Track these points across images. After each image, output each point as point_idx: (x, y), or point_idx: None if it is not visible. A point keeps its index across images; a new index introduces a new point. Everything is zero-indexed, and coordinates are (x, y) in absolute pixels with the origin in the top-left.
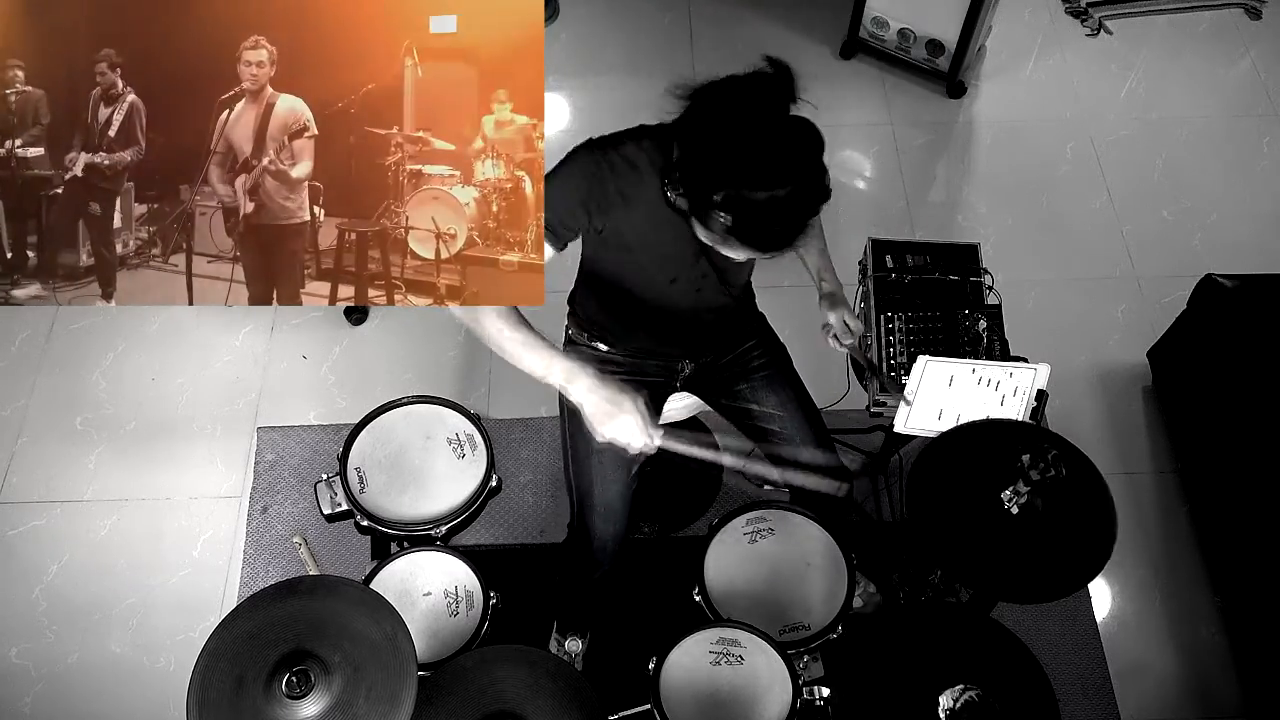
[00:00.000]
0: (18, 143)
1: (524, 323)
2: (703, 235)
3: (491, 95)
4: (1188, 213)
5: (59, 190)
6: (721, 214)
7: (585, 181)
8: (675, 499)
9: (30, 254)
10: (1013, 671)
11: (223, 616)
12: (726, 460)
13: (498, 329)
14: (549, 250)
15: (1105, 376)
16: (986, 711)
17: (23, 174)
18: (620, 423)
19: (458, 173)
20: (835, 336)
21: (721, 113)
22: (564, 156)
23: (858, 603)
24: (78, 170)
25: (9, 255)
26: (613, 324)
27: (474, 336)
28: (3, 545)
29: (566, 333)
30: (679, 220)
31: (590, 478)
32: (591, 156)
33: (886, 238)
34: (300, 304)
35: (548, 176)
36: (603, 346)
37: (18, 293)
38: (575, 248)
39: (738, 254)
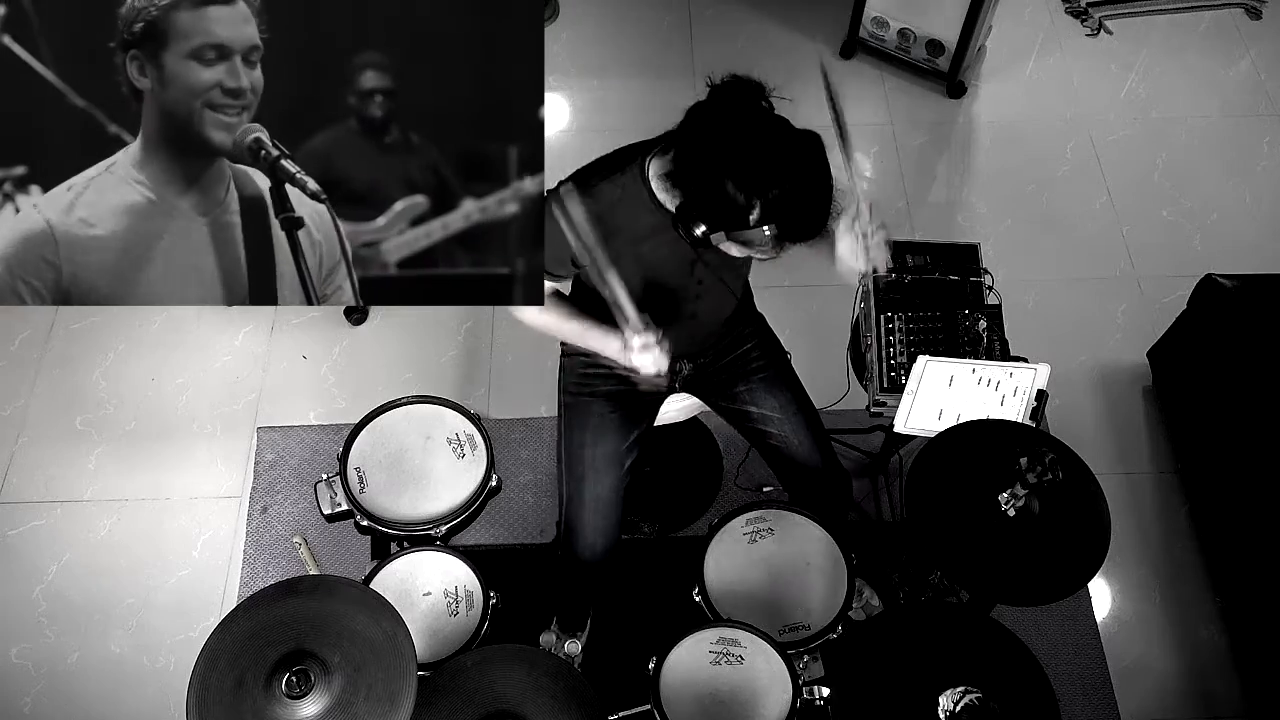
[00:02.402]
0: None
1: (566, 309)
2: (738, 252)
3: None
4: (1188, 213)
5: None
6: (766, 228)
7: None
8: (675, 499)
9: None
10: (1013, 672)
11: (223, 616)
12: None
13: (547, 323)
14: (555, 284)
15: (1105, 376)
16: (986, 713)
17: None
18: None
19: None
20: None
21: (712, 140)
22: (545, 201)
23: (858, 614)
24: None
25: None
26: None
27: (474, 336)
28: (3, 545)
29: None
30: (672, 237)
31: (582, 471)
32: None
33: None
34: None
35: None
36: None
37: None
38: None
39: (777, 253)
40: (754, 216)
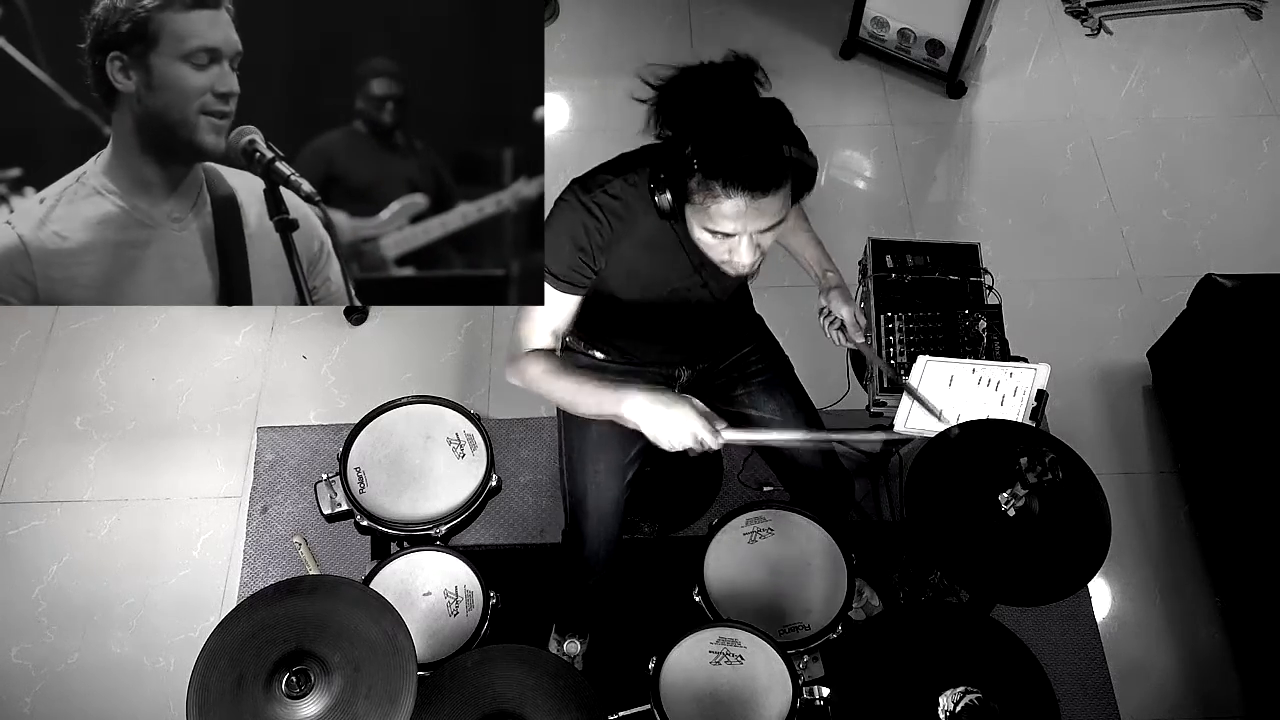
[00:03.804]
0: None
1: (564, 369)
2: (694, 223)
3: None
4: (1188, 213)
5: None
6: (695, 161)
7: (578, 232)
8: (675, 499)
9: None
10: (1013, 672)
11: (223, 616)
12: (798, 437)
13: (543, 385)
14: (569, 298)
15: (1105, 376)
16: (986, 713)
17: None
18: (682, 428)
19: None
20: (843, 331)
21: (694, 97)
22: (553, 204)
23: (858, 614)
24: None
25: None
26: (609, 333)
27: (474, 336)
28: (3, 545)
29: (563, 340)
30: (674, 239)
31: (584, 485)
32: (579, 205)
33: (886, 238)
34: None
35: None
36: (599, 355)
37: None
38: None
39: (728, 217)
40: (689, 150)
